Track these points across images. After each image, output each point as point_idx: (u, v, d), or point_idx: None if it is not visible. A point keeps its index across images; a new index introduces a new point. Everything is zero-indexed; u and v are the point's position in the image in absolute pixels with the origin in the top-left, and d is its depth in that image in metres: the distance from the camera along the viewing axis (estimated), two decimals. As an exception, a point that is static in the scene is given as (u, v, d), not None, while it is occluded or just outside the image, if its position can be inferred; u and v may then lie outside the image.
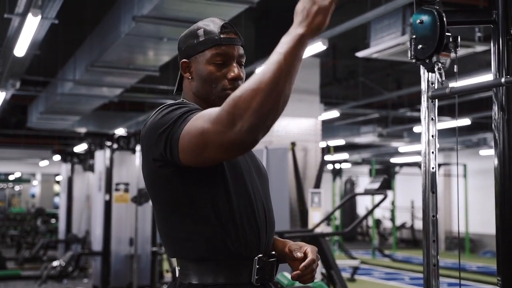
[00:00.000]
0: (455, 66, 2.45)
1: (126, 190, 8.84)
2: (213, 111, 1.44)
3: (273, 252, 1.73)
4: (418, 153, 16.87)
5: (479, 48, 6.36)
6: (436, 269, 2.51)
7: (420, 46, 2.38)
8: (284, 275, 3.97)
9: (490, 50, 2.35)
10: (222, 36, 1.69)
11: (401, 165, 17.30)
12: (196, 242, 1.59)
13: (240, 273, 1.61)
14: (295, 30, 1.40)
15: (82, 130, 13.76)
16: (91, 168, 11.07)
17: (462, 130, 14.78)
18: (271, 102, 1.36)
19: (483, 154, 16.72)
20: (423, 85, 2.54)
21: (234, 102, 1.37)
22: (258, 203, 1.68)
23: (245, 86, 1.38)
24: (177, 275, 1.69)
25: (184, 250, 1.62)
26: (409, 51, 2.46)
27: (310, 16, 1.40)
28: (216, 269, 1.60)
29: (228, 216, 1.60)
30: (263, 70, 1.38)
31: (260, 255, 1.65)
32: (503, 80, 2.07)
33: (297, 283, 3.73)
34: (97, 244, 8.93)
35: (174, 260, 1.73)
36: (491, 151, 13.28)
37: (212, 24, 1.71)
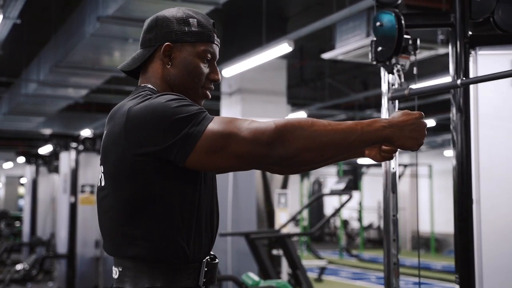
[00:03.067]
0: (414, 68, 2.49)
1: (92, 192, 8.74)
2: (252, 122, 1.42)
3: (213, 254, 1.67)
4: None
5: (442, 51, 6.47)
6: (397, 268, 2.54)
7: (380, 48, 2.42)
8: (249, 275, 3.98)
9: (450, 52, 2.40)
10: (213, 33, 1.67)
11: (368, 165, 17.46)
12: (154, 242, 1.52)
13: (189, 276, 1.56)
14: (387, 130, 1.43)
15: (47, 131, 13.56)
16: (56, 170, 10.91)
17: (427, 131, 14.99)
18: (315, 155, 1.40)
19: (447, 155, 17.00)
20: (384, 87, 2.58)
21: (290, 128, 1.38)
22: (215, 207, 1.66)
23: (308, 126, 1.39)
24: (115, 275, 1.59)
25: (138, 250, 1.53)
26: (370, 53, 2.50)
27: (407, 135, 1.44)
28: (168, 272, 1.54)
29: (191, 219, 1.55)
30: (332, 129, 1.40)
31: (208, 257, 1.62)
32: (459, 82, 2.11)
33: (262, 283, 3.75)
34: (62, 246, 8.82)
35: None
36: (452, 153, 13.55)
37: (202, 17, 1.66)
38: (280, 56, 7.53)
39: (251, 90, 9.22)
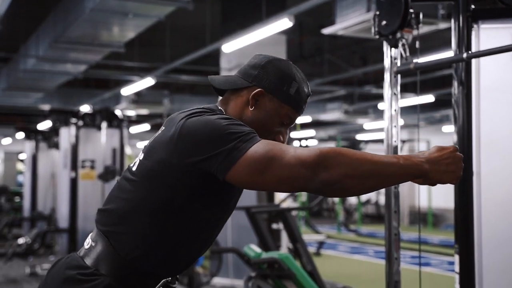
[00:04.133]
0: (417, 42, 2.52)
1: (92, 167, 8.79)
2: (298, 148, 1.44)
3: (177, 276, 1.69)
4: (383, 129, 17.09)
5: (442, 25, 6.46)
6: (397, 239, 2.59)
7: (384, 22, 2.43)
8: (251, 247, 4.04)
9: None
10: (303, 105, 1.72)
11: (367, 141, 17.52)
12: (140, 245, 1.55)
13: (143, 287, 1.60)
14: (425, 165, 1.43)
15: (46, 107, 13.55)
16: (55, 146, 10.95)
17: (425, 107, 15.02)
18: (357, 182, 1.41)
19: (445, 131, 17.06)
20: (387, 61, 2.60)
21: (333, 155, 1.39)
22: (216, 232, 1.68)
23: (350, 155, 1.40)
24: (86, 246, 1.63)
25: (121, 241, 1.57)
26: (372, 28, 2.52)
27: (444, 169, 1.44)
28: (127, 274, 1.56)
29: (188, 241, 1.59)
30: (373, 159, 1.41)
31: (169, 278, 1.64)
32: (464, 55, 2.14)
33: (264, 255, 3.81)
34: (63, 221, 8.90)
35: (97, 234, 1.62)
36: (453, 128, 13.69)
37: (303, 85, 1.70)
38: (280, 31, 7.51)
39: (251, 65, 9.19)
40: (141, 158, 1.61)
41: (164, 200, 1.53)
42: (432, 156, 1.44)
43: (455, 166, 1.44)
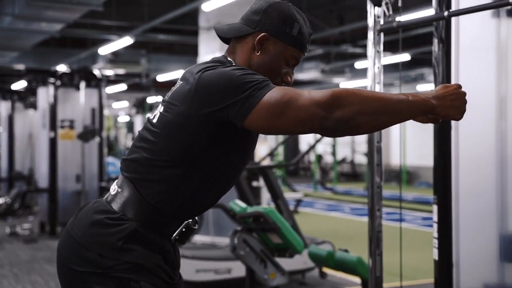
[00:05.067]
0: (399, 1, 2.60)
1: (71, 127, 8.79)
2: (311, 91, 1.51)
3: (196, 219, 1.80)
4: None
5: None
6: (380, 191, 2.72)
7: (368, -19, 2.50)
8: (236, 202, 4.15)
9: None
10: (307, 44, 1.77)
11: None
12: (162, 191, 1.66)
13: (167, 228, 1.71)
14: (432, 101, 1.53)
15: (21, 66, 13.38)
16: (32, 106, 10.88)
17: (404, 66, 15.16)
18: (369, 119, 1.48)
19: (420, 90, 17.29)
20: (370, 20, 2.68)
21: (346, 94, 1.46)
22: (234, 180, 1.77)
23: (362, 93, 1.48)
24: (112, 192, 1.72)
25: (144, 187, 1.67)
26: (357, -13, 2.58)
27: (449, 104, 1.54)
28: (152, 217, 1.67)
29: (208, 186, 1.68)
30: (383, 97, 1.50)
31: (190, 220, 1.75)
32: (446, 13, 2.23)
33: (249, 209, 3.93)
34: (43, 181, 8.91)
35: (123, 181, 1.71)
36: (428, 86, 13.98)
37: (305, 25, 1.75)
38: (259, -10, 7.50)
39: (229, 24, 9.15)
40: (161, 111, 1.69)
41: (185, 148, 1.63)
42: (438, 93, 1.55)
43: (460, 102, 1.56)
